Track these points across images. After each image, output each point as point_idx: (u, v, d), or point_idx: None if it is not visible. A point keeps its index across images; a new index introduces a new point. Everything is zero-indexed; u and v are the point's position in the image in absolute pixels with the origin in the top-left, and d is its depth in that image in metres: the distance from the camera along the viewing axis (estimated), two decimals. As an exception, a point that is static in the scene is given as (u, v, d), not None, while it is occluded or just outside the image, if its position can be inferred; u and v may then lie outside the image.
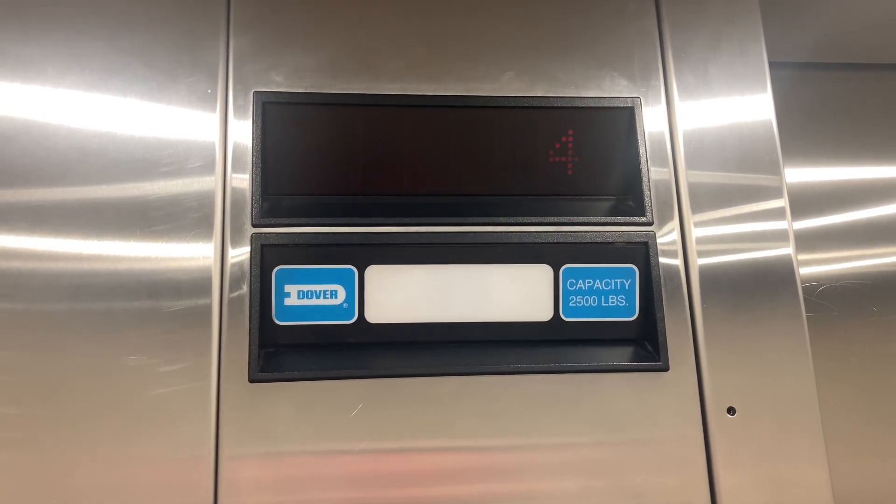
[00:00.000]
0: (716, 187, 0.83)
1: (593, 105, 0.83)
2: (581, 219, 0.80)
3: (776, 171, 0.85)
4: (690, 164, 0.84)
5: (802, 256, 1.10)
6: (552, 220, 0.79)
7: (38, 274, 0.73)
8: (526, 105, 0.82)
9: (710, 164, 0.84)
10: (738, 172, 0.84)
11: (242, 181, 0.77)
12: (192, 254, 0.74)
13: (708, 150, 0.85)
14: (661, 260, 0.80)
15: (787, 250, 0.82)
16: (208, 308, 0.73)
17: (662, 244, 0.81)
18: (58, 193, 0.75)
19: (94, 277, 0.73)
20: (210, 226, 0.75)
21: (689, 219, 0.82)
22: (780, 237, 0.83)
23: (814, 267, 1.11)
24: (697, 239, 0.82)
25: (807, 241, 1.11)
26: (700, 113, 0.86)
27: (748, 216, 0.83)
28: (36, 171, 0.75)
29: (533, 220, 0.79)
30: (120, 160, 0.76)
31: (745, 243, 0.82)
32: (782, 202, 0.84)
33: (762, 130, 0.86)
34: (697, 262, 0.81)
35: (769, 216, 0.83)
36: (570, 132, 0.83)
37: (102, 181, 0.75)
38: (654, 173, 0.83)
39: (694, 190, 0.83)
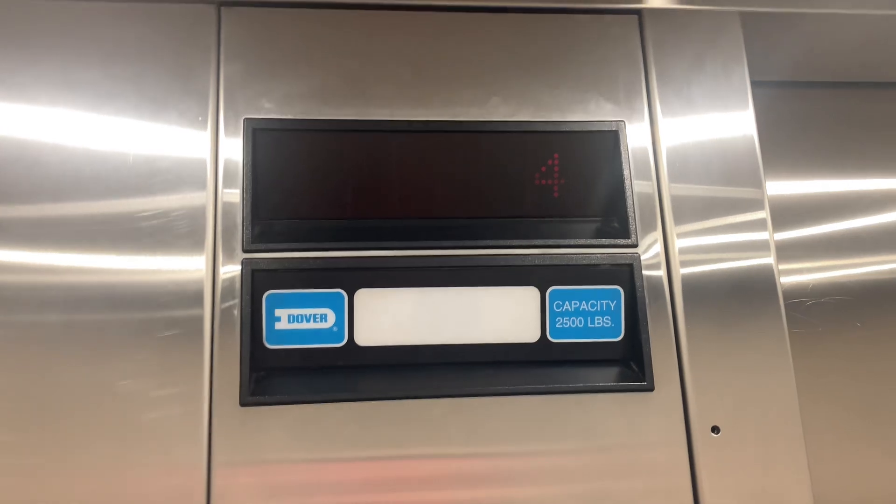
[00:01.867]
0: (699, 201, 0.85)
1: (578, 129, 0.85)
2: (567, 241, 0.81)
3: (758, 185, 0.86)
4: (674, 183, 0.85)
5: (785, 266, 1.11)
6: (539, 243, 0.81)
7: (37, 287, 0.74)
8: (512, 129, 0.84)
9: (693, 183, 0.86)
10: (720, 190, 0.86)
11: (233, 206, 0.78)
12: (185, 276, 0.75)
13: (691, 170, 0.86)
14: (646, 276, 0.82)
15: (768, 260, 0.84)
16: (200, 332, 0.74)
17: (646, 259, 0.82)
18: (50, 212, 0.75)
19: (88, 292, 0.74)
20: (201, 250, 0.76)
21: (673, 235, 0.83)
22: (761, 248, 0.84)
23: (796, 276, 1.12)
24: (681, 249, 0.83)
25: (791, 251, 1.12)
26: (683, 134, 0.88)
27: (730, 227, 0.85)
28: (30, 195, 0.76)
29: (520, 242, 0.80)
30: (112, 188, 0.77)
31: (728, 253, 0.84)
32: (763, 214, 0.85)
33: (744, 150, 0.88)
34: (680, 272, 0.82)
35: (751, 228, 0.85)
36: (556, 156, 0.84)
37: (95, 207, 0.76)
38: (639, 195, 0.84)
39: (677, 205, 0.84)
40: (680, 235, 0.84)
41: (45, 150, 0.77)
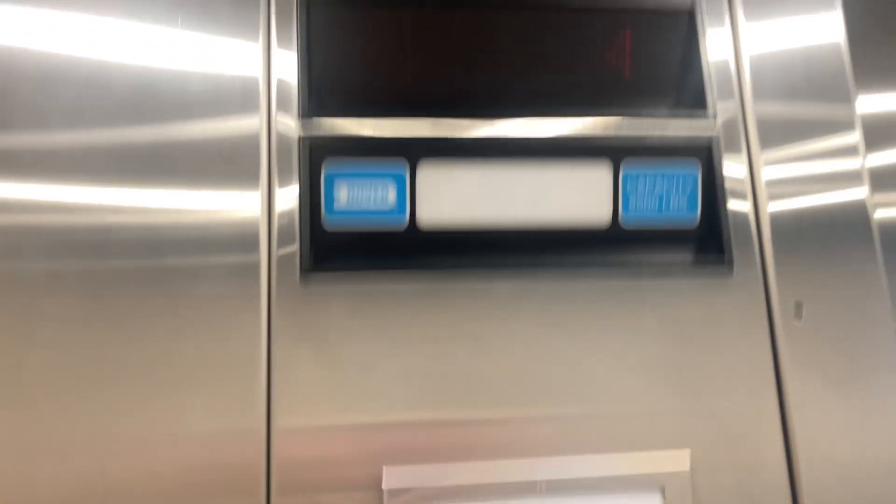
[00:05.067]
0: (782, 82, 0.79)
1: (651, 7, 0.80)
2: (642, 111, 0.77)
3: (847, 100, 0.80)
4: (753, 64, 0.80)
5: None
6: (612, 112, 0.76)
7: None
8: (582, 7, 0.79)
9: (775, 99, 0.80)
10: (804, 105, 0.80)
11: (289, 79, 0.74)
12: (239, 132, 0.72)
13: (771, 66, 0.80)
14: (725, 163, 0.77)
15: (861, 188, 0.78)
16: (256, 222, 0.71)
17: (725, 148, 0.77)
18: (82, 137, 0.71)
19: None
20: (257, 113, 0.72)
21: (752, 113, 0.78)
22: (850, 152, 0.79)
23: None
24: (761, 134, 0.78)
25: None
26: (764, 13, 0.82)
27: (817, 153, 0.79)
28: (53, 111, 0.70)
29: (591, 111, 0.75)
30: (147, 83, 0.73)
31: (816, 184, 0.78)
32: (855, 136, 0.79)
33: (831, 57, 0.82)
34: (763, 167, 0.77)
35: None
36: (628, 33, 0.79)
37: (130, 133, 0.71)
38: (714, 70, 0.79)
39: (755, 73, 0.79)
40: (760, 117, 0.78)
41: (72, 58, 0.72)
